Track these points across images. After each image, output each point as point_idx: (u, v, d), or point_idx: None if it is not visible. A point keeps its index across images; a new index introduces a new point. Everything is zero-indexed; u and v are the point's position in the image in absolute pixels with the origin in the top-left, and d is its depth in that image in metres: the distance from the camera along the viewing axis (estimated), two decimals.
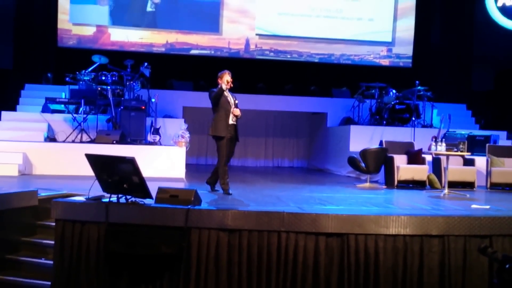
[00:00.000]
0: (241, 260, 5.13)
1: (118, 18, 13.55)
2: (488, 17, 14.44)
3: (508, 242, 5.39)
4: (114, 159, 5.19)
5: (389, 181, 9.22)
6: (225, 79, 7.11)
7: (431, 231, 5.27)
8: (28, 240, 6.00)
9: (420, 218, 5.31)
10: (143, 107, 10.52)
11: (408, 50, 14.51)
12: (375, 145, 9.89)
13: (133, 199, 5.27)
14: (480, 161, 9.52)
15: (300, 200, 6.75)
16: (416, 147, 9.70)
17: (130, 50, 13.40)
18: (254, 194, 7.50)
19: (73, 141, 9.92)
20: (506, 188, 9.35)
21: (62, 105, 10.59)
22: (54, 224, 5.39)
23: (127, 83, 11.00)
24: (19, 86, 12.44)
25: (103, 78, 11.00)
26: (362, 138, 11.26)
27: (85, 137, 10.03)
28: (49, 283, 5.31)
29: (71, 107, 10.56)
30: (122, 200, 5.27)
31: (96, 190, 5.34)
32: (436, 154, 8.57)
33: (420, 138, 10.88)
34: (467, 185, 9.09)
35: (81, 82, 11.02)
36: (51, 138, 10.28)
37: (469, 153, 8.55)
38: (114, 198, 5.27)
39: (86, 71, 11.14)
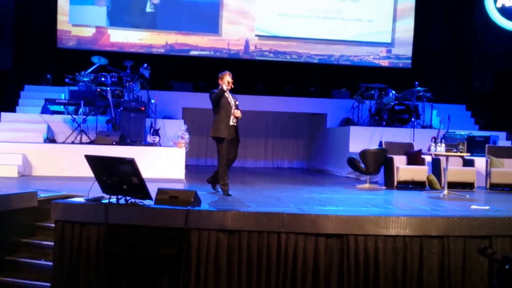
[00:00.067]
0: (240, 261, 5.13)
1: (118, 19, 13.53)
2: (488, 18, 14.41)
3: (507, 242, 5.40)
4: (113, 160, 5.19)
5: (389, 182, 9.22)
6: (226, 80, 7.08)
7: (430, 232, 5.28)
8: (27, 241, 5.99)
9: (420, 219, 5.31)
10: (143, 108, 10.50)
11: (408, 51, 14.50)
12: (374, 146, 9.90)
13: (133, 200, 5.27)
14: (480, 162, 9.51)
15: (299, 201, 6.74)
16: (416, 148, 9.70)
17: (130, 51, 13.39)
18: (254, 195, 7.49)
19: (72, 142, 9.92)
20: (505, 189, 9.34)
21: (62, 106, 10.60)
22: (53, 225, 5.39)
23: (127, 84, 11.00)
24: (18, 87, 12.43)
25: (103, 79, 10.99)
26: (362, 139, 11.26)
27: (84, 138, 10.04)
28: (49, 284, 5.31)
29: (71, 108, 10.55)
30: (122, 201, 5.27)
31: (96, 191, 5.34)
32: (435, 155, 8.56)
33: (420, 138, 10.87)
34: (467, 186, 9.10)
35: (80, 83, 11.02)
36: (50, 139, 10.28)
37: (468, 154, 8.55)
38: (113, 199, 5.27)
39: (86, 72, 11.14)
